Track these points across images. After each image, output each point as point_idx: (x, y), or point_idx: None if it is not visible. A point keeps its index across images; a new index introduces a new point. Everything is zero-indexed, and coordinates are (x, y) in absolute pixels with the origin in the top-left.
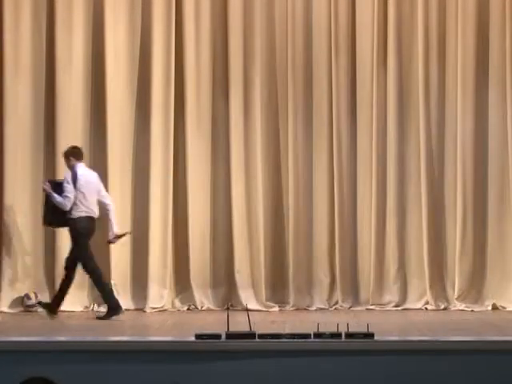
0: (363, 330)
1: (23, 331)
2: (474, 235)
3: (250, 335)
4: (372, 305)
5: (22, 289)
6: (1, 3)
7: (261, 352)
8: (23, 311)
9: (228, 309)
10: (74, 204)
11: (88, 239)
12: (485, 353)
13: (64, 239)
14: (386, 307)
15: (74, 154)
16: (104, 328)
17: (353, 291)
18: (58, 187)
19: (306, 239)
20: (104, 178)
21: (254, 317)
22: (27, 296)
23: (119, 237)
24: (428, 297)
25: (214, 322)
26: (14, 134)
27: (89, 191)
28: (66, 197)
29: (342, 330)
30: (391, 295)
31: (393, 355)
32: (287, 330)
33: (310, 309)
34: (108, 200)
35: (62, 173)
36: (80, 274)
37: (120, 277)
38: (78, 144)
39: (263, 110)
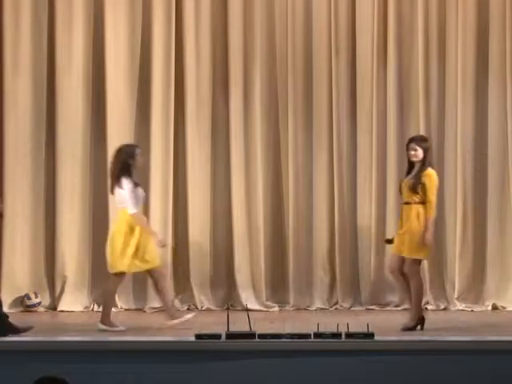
0: (363, 330)
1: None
2: (474, 235)
3: (250, 335)
4: (372, 305)
5: (22, 289)
6: (1, 3)
7: (261, 352)
8: (23, 311)
9: (228, 309)
10: None
11: None
12: (485, 353)
13: (64, 239)
14: (386, 307)
15: None
16: None
17: (353, 291)
18: None
19: (306, 239)
20: (104, 178)
21: (253, 317)
22: (27, 296)
23: None
24: (428, 297)
25: (214, 322)
26: (14, 134)
27: None
28: None
29: (342, 330)
30: (391, 295)
31: (393, 355)
32: (287, 330)
33: (310, 309)
34: None
35: (63, 172)
36: (80, 274)
37: None
38: (78, 144)
39: (263, 109)
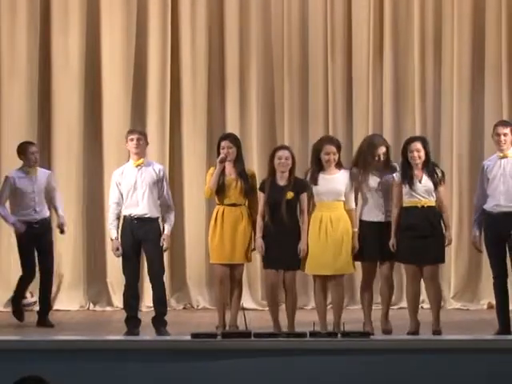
0: (359, 329)
1: (19, 330)
2: (470, 235)
3: (246, 334)
4: None
5: None
6: None
7: (257, 351)
8: None
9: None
10: None
11: None
12: (484, 352)
13: (60, 238)
14: None
15: None
16: (100, 327)
17: (350, 290)
18: None
19: None
20: (100, 178)
21: (249, 316)
22: None
23: None
24: (424, 296)
25: (210, 321)
26: (10, 137)
27: None
28: None
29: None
30: None
31: (389, 354)
32: (283, 329)
33: (307, 308)
34: None
35: (58, 174)
36: (75, 273)
37: (118, 276)
38: (74, 146)
39: (259, 108)
